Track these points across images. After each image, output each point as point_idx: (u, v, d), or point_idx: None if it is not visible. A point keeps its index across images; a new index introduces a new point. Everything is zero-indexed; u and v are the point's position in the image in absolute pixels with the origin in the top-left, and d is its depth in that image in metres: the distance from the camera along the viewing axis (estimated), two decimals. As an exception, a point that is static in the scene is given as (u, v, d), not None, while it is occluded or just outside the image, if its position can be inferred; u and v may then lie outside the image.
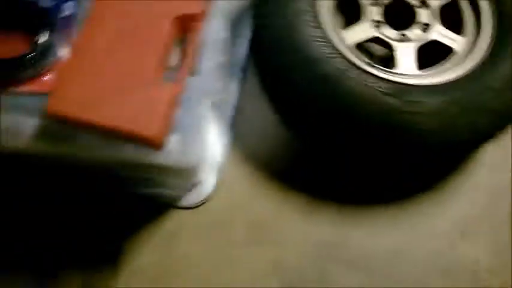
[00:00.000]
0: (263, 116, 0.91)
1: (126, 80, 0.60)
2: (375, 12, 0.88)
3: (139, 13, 0.62)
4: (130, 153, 0.62)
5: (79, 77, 0.59)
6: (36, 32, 0.63)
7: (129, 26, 0.62)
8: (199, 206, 0.88)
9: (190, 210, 0.87)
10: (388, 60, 0.88)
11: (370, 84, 0.76)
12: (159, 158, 0.62)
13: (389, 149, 0.78)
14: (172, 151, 0.61)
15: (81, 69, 0.60)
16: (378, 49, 0.94)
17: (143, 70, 0.60)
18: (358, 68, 0.77)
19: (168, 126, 0.59)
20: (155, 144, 0.58)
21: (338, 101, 0.76)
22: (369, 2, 0.88)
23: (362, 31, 0.86)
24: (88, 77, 0.59)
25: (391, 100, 0.75)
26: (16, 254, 0.84)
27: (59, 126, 0.60)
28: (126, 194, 0.83)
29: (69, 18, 0.67)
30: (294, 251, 0.85)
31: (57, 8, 0.66)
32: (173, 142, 0.60)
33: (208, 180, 0.88)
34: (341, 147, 0.83)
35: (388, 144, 0.77)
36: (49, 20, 0.64)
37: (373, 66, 0.79)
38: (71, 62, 0.60)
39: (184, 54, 0.62)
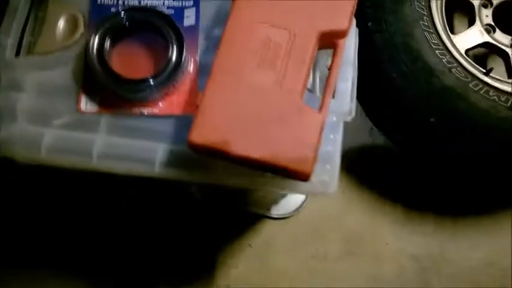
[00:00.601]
0: (357, 124, 0.87)
1: (270, 106, 0.54)
2: (485, 15, 0.82)
3: (280, 29, 0.57)
4: (269, 182, 0.58)
5: (222, 104, 0.54)
6: (165, 45, 0.57)
7: (269, 45, 0.56)
8: (292, 216, 0.85)
9: (282, 221, 0.85)
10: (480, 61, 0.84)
11: (492, 98, 0.72)
12: (301, 188, 0.58)
13: (506, 165, 0.75)
14: (315, 181, 0.57)
15: (222, 95, 0.54)
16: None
17: (288, 95, 0.55)
18: (478, 78, 0.74)
19: (317, 157, 0.55)
20: (305, 178, 0.54)
21: (459, 114, 0.72)
22: (480, 2, 0.83)
23: (473, 36, 0.81)
24: (231, 104, 0.54)
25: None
26: (112, 264, 0.81)
27: (195, 155, 0.55)
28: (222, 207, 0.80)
29: (192, 30, 0.61)
30: (391, 264, 0.83)
31: (178, 16, 0.60)
32: (316, 172, 0.56)
33: (301, 190, 0.84)
34: (449, 160, 0.80)
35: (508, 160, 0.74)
36: (175, 30, 0.58)
37: (491, 77, 0.75)
38: (211, 87, 0.55)
39: (328, 75, 0.58)
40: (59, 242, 0.82)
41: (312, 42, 0.57)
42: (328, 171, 0.58)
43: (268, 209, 0.83)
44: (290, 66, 0.56)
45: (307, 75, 0.56)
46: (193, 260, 0.81)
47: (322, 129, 0.55)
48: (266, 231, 0.83)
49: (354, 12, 0.58)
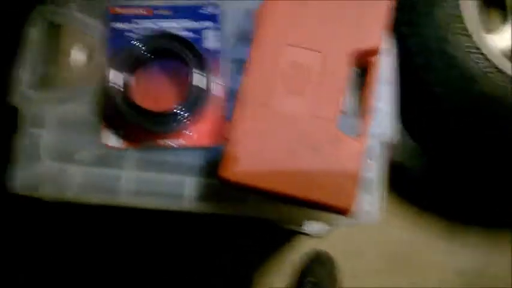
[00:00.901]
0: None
1: (303, 136, 0.50)
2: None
3: (309, 51, 0.52)
4: (306, 215, 0.54)
5: (251, 135, 0.50)
6: (187, 71, 0.54)
7: (299, 68, 0.52)
8: (329, 234, 0.81)
9: (319, 239, 0.81)
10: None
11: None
12: (340, 221, 0.54)
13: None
14: (358, 212, 0.53)
15: (252, 126, 0.51)
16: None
17: (322, 123, 0.51)
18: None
19: (357, 190, 0.50)
20: (345, 213, 0.50)
21: (499, 121, 0.68)
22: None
23: (509, 35, 0.75)
24: (261, 135, 0.50)
25: None
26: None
27: (226, 188, 0.52)
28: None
29: (213, 53, 0.57)
30: (434, 280, 0.79)
31: (198, 39, 0.57)
32: (359, 202, 0.52)
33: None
34: (491, 169, 0.74)
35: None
36: (196, 54, 0.54)
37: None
38: (239, 118, 0.51)
39: (361, 97, 0.53)
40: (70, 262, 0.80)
41: (345, 64, 0.52)
42: (370, 201, 0.54)
43: (301, 225, 0.80)
44: (323, 91, 0.52)
45: (342, 100, 0.52)
46: (228, 279, 0.79)
47: (361, 158, 0.51)
48: (303, 247, 0.80)
49: (385, 26, 0.53)
